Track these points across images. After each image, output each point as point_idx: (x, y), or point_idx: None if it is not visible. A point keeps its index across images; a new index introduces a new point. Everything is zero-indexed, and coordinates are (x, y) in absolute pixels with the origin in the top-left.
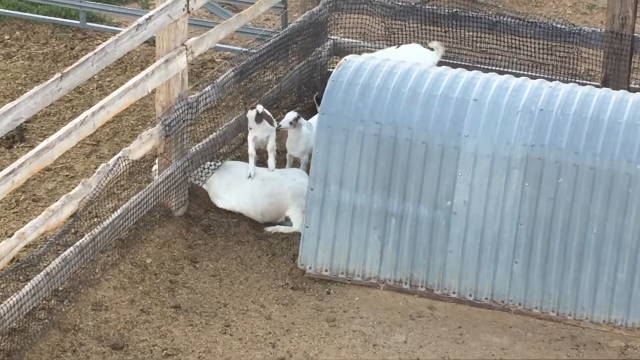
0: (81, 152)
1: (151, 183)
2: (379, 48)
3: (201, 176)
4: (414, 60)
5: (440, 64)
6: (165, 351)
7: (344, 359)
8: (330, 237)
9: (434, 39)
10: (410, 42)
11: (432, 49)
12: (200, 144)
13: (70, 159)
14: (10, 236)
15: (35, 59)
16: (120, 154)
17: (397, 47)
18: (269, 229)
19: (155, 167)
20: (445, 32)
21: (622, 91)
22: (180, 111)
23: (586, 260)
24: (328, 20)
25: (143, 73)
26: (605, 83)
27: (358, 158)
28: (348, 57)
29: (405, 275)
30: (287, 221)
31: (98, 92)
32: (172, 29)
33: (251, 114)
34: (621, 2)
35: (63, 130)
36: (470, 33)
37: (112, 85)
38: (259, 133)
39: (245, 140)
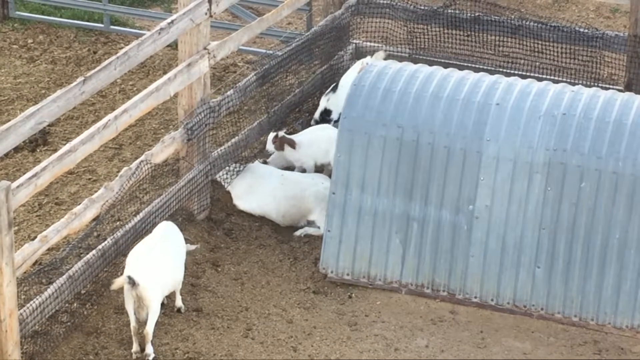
0: (104, 156)
1: (173, 186)
2: (401, 52)
3: (226, 178)
4: None
5: (462, 68)
6: (187, 354)
7: None
8: (352, 241)
9: (456, 43)
10: (432, 46)
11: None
12: (222, 147)
13: (93, 162)
14: (33, 239)
15: (58, 63)
16: (142, 157)
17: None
18: (298, 232)
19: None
20: (467, 36)
21: None
22: (203, 115)
23: (609, 265)
24: (350, 24)
25: (165, 77)
26: (628, 87)
27: (380, 162)
28: (365, 60)
29: (426, 280)
30: (309, 224)
31: (121, 95)
32: (195, 32)
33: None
34: None
35: (86, 133)
36: (493, 37)
37: (135, 89)
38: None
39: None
